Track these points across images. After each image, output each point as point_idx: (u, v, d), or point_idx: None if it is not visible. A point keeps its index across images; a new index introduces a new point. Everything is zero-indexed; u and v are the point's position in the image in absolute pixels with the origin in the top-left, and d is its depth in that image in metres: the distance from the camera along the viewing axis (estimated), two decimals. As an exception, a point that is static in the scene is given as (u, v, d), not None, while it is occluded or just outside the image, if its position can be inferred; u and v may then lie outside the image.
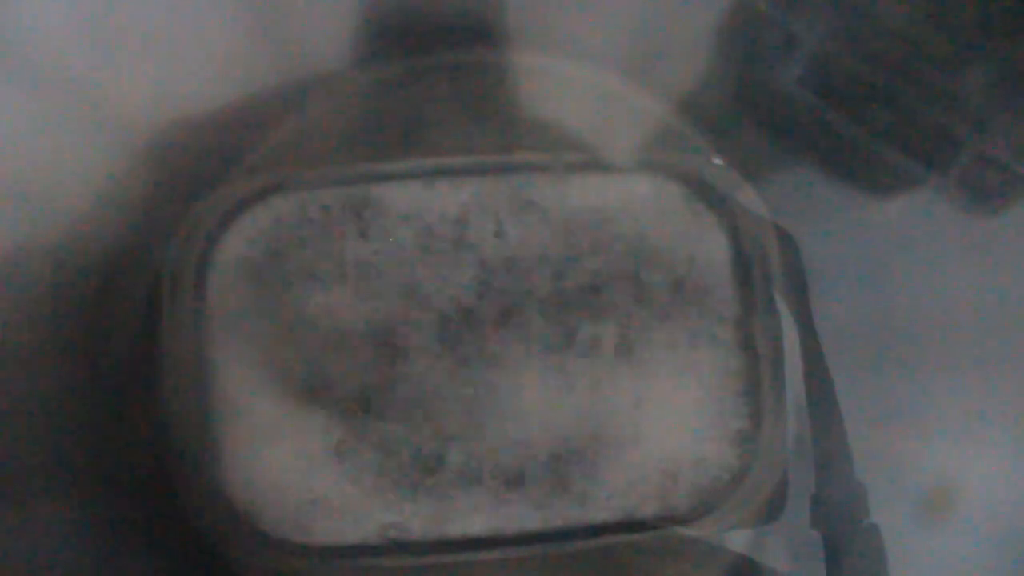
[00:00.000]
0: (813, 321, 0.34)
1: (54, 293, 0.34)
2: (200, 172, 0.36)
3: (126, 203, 0.34)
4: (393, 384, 0.35)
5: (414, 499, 0.35)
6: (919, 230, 0.35)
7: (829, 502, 0.33)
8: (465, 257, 0.36)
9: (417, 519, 0.35)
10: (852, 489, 0.33)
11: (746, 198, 0.36)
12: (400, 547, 0.35)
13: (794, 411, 0.35)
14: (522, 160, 0.36)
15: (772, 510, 0.35)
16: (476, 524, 0.35)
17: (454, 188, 0.36)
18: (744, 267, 0.36)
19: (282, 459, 0.35)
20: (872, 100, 0.34)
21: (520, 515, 0.35)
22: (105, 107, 0.34)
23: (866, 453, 0.33)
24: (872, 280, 0.35)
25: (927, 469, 0.34)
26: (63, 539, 0.33)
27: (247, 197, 0.36)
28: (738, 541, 0.35)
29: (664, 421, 0.35)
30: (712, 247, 0.36)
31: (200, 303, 0.35)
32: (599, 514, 0.35)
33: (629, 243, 0.36)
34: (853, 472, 0.33)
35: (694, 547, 0.35)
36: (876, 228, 0.35)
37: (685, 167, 0.36)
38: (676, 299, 0.36)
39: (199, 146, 0.35)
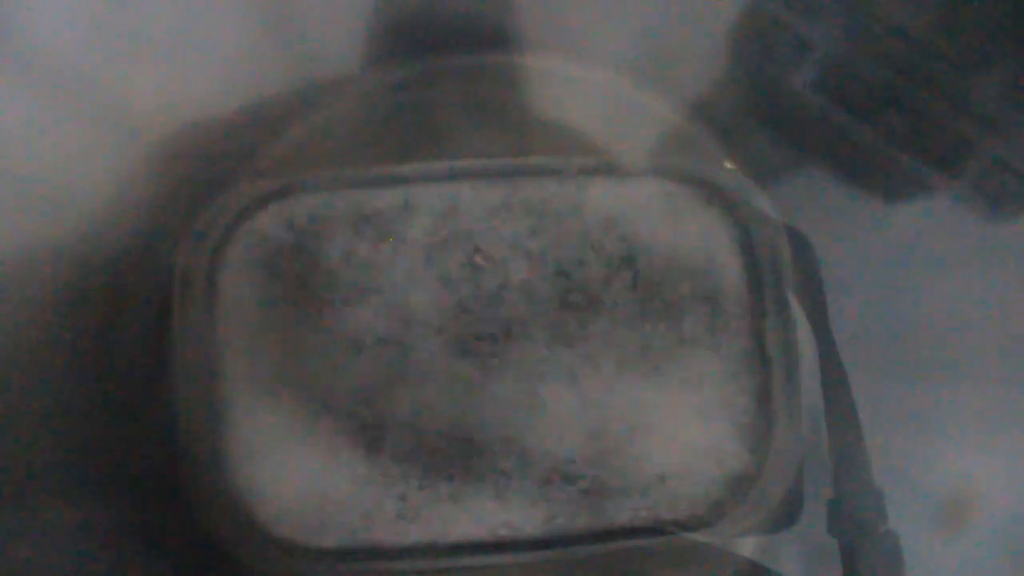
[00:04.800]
0: (830, 325, 0.34)
1: (64, 295, 0.33)
2: (211, 175, 0.35)
3: (137, 205, 0.34)
4: (402, 388, 0.35)
5: (421, 503, 0.35)
6: (933, 235, 0.35)
7: (846, 508, 0.33)
8: (477, 260, 0.35)
9: (424, 523, 0.35)
10: (870, 495, 0.33)
11: (758, 203, 0.36)
12: (405, 551, 0.35)
13: (810, 416, 0.35)
14: (535, 163, 0.36)
15: (787, 516, 0.35)
16: (485, 529, 0.35)
17: (466, 191, 0.36)
18: (756, 272, 0.36)
19: (290, 462, 0.35)
20: (885, 104, 0.34)
21: (529, 520, 0.35)
22: (116, 109, 0.34)
23: (883, 458, 0.33)
24: (886, 285, 0.35)
25: (945, 475, 0.34)
26: (70, 542, 0.33)
27: (258, 200, 0.35)
28: (750, 547, 0.35)
29: (674, 426, 0.35)
30: (724, 252, 0.36)
31: (211, 306, 0.35)
32: (608, 519, 0.35)
33: (641, 247, 0.36)
34: (871, 478, 0.33)
35: (704, 553, 0.35)
36: (890, 233, 0.35)
37: (697, 171, 0.36)
38: (687, 303, 0.35)
39: (210, 148, 0.35)
